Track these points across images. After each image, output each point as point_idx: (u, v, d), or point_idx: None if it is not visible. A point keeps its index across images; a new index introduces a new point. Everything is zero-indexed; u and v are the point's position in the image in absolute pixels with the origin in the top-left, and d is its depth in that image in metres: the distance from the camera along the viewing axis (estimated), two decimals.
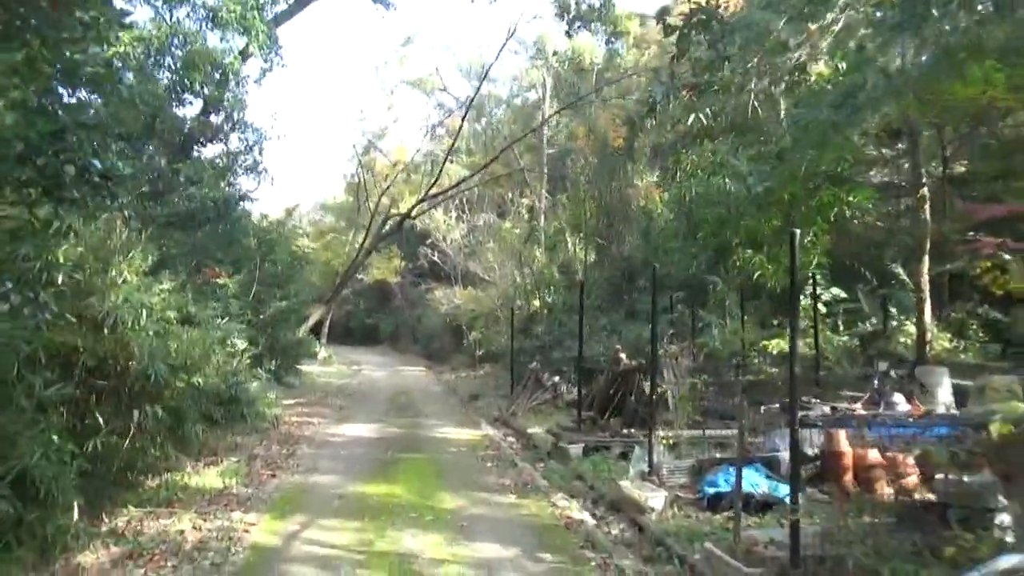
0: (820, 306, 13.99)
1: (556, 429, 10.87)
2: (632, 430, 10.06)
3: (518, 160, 28.60)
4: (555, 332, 18.94)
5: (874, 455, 7.47)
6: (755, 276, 12.62)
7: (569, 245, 23.22)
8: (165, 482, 8.14)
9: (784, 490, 6.91)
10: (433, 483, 8.69)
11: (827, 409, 9.15)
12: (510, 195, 29.17)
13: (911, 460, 7.75)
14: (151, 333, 6.58)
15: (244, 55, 15.51)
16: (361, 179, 28.63)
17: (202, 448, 10.35)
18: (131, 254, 7.38)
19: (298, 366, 18.65)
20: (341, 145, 71.50)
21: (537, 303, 23.86)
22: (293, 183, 77.67)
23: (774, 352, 13.79)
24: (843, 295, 14.25)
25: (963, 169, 14.97)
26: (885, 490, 7.61)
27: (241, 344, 14.25)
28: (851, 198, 9.24)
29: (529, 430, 12.49)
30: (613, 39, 22.46)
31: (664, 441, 8.35)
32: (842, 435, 7.52)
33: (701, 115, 7.54)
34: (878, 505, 6.37)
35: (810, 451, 7.98)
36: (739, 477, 5.63)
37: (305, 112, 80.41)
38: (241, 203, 16.32)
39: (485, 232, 29.29)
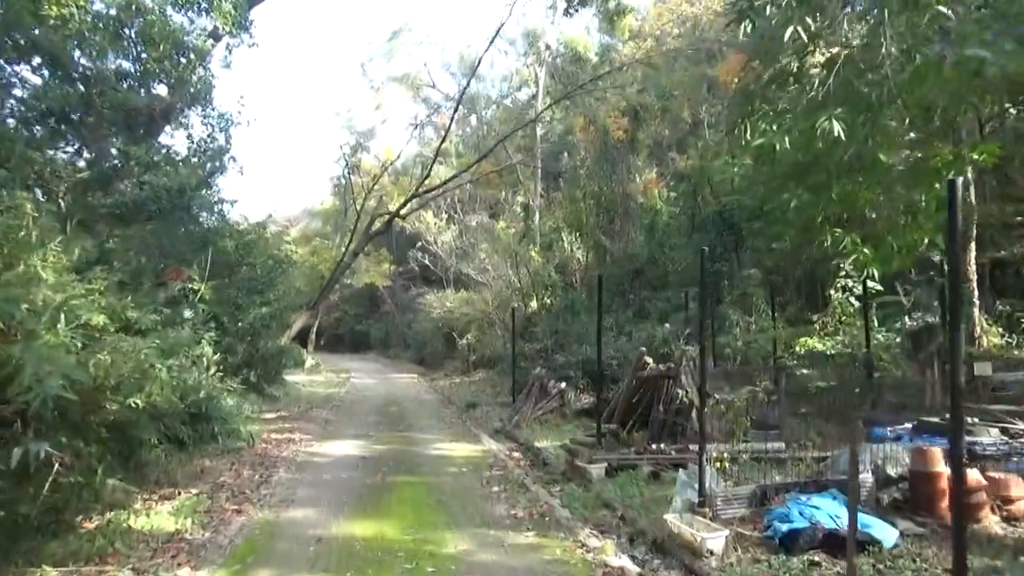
0: (853, 300, 12.53)
1: (572, 444, 9.33)
2: (661, 445, 8.54)
3: (510, 158, 27.11)
4: (556, 334, 17.40)
5: (974, 475, 5.98)
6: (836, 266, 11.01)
7: (565, 244, 21.72)
8: (104, 525, 6.52)
9: (873, 524, 5.41)
10: (431, 517, 7.13)
11: (993, 432, 7.31)
12: (504, 194, 27.69)
13: (1018, 482, 6.28)
14: (59, 342, 4.98)
15: (215, 36, 13.92)
16: (347, 181, 26.96)
17: (162, 476, 8.79)
18: (49, 247, 5.83)
19: (282, 376, 17.02)
20: (327, 147, 69.80)
21: (534, 304, 22.36)
22: (279, 191, 75.84)
23: (800, 351, 12.33)
24: (878, 287, 12.78)
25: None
26: (990, 519, 6.12)
27: (211, 354, 12.74)
28: (976, 155, 7.18)
29: (537, 444, 10.98)
30: (611, 26, 20.99)
31: (719, 463, 6.79)
32: (938, 452, 6.03)
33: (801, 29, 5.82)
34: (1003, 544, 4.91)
35: (893, 471, 6.49)
36: (852, 519, 4.11)
37: (289, 115, 78.75)
38: (203, 190, 14.51)
39: (478, 233, 27.74)
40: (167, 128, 13.76)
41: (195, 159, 13.70)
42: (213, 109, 13.57)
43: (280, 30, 71.97)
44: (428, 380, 27.16)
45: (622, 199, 19.29)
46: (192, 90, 12.75)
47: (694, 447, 8.53)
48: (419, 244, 32.51)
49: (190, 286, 14.80)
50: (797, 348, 11.98)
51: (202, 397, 10.61)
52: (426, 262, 32.55)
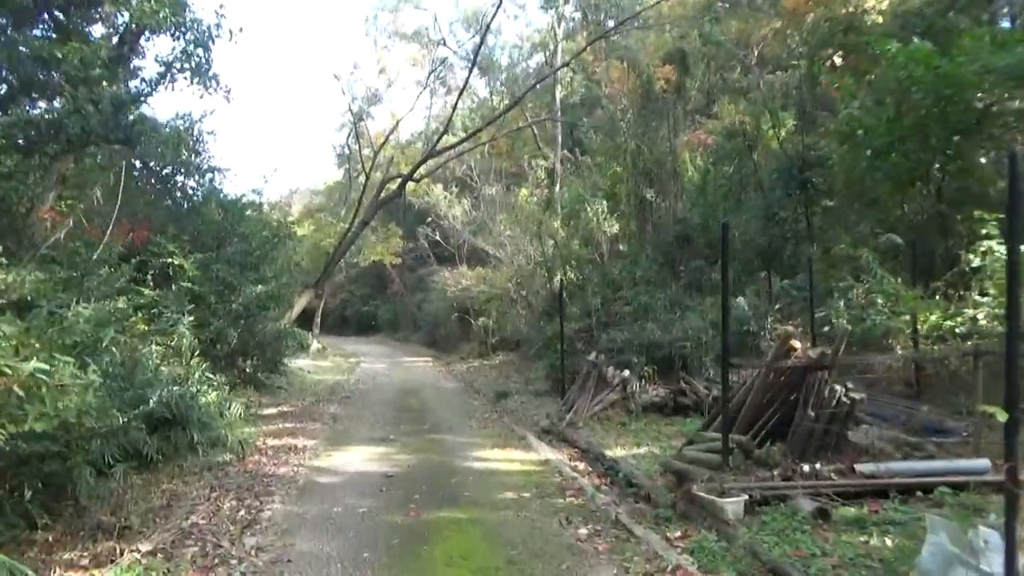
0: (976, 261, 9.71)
1: (679, 462, 6.56)
2: (817, 465, 5.79)
3: (527, 118, 24.18)
4: (599, 312, 14.64)
5: None
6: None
7: (590, 213, 18.86)
8: None
9: None
10: None
11: None
12: (526, 159, 24.82)
13: None
14: None
15: None
16: (352, 150, 23.95)
17: (107, 518, 6.10)
18: None
19: (282, 365, 14.28)
20: (329, 119, 66.56)
21: (562, 278, 19.58)
22: (279, 170, 72.83)
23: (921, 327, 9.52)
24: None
25: None
26: None
27: (189, 341, 10.03)
28: None
29: (609, 452, 8.26)
30: None
31: None
32: None
33: None
34: None
35: None
36: None
37: (287, 86, 75.44)
38: (144, 104, 11.57)
39: (495, 204, 24.93)
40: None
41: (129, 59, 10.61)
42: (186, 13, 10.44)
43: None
44: (443, 364, 24.47)
45: (667, 157, 16.43)
46: None
47: (865, 468, 5.82)
48: (429, 219, 29.70)
49: (170, 261, 12.13)
50: (927, 322, 9.22)
51: (173, 395, 7.98)
52: (437, 238, 29.73)
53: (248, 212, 14.31)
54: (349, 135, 25.82)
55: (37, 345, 3.91)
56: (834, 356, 6.22)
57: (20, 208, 6.68)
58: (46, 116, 7.69)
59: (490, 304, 24.58)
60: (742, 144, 16.18)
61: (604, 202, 19.13)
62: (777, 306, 11.69)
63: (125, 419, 6.12)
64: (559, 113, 24.30)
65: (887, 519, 5.31)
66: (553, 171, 21.19)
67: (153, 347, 9.69)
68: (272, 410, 13.35)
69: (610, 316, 14.85)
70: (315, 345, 26.83)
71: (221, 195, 13.96)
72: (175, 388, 8.49)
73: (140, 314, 10.59)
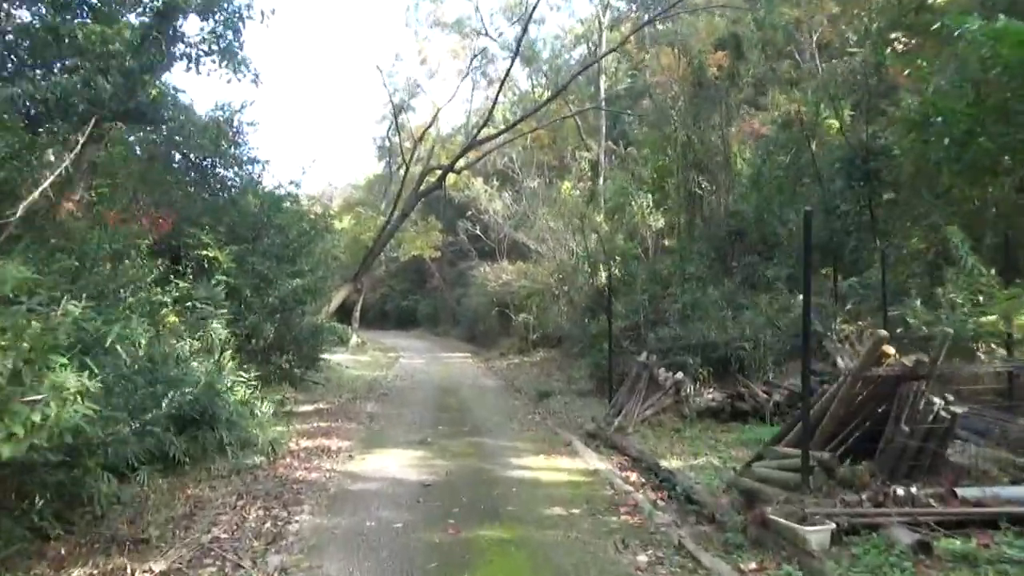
0: None
1: (747, 479, 5.83)
2: (912, 489, 5.02)
3: (570, 109, 23.42)
4: (647, 309, 13.88)
5: None
6: None
7: (635, 207, 18.10)
8: None
9: None
10: None
11: None
12: (569, 150, 24.08)
13: None
14: None
15: None
16: (392, 142, 23.39)
17: (124, 526, 5.64)
18: None
19: (319, 361, 13.80)
20: (370, 108, 66.40)
21: (609, 273, 18.84)
22: (319, 166, 73.16)
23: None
24: None
25: None
26: None
27: (223, 336, 9.60)
28: None
29: (663, 463, 7.57)
30: None
31: None
32: None
33: None
34: None
35: None
36: None
37: (331, 76, 75.65)
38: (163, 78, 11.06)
39: (537, 197, 24.23)
40: None
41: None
42: None
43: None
44: (483, 360, 23.92)
45: (719, 147, 15.57)
46: None
47: (968, 493, 5.04)
48: (469, 213, 29.15)
49: (205, 253, 11.74)
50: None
51: (202, 392, 7.51)
52: (477, 232, 29.16)
53: (286, 204, 13.86)
54: (390, 127, 25.39)
55: (26, 346, 3.36)
56: (932, 365, 5.42)
57: (26, 192, 6.18)
58: (53, 91, 7.19)
59: (531, 299, 23.94)
60: (799, 133, 15.23)
61: (650, 195, 18.38)
62: (848, 305, 10.78)
63: (138, 423, 5.59)
64: (603, 104, 23.49)
65: (1001, 555, 4.52)
66: (597, 163, 20.43)
67: (187, 342, 9.30)
68: (308, 407, 12.93)
69: (658, 314, 14.09)
70: (354, 339, 26.54)
71: (259, 187, 13.58)
72: (203, 386, 8.08)
73: (175, 307, 10.23)
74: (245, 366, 9.81)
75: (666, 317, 13.82)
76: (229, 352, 9.70)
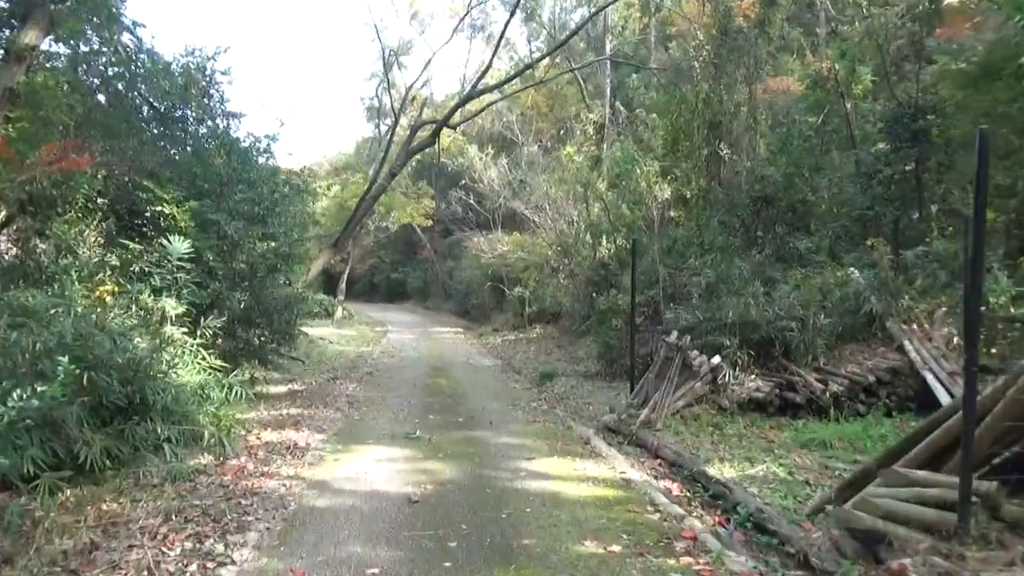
0: None
1: (868, 517, 4.10)
2: None
3: (574, 73, 21.46)
4: (664, 283, 12.19)
5: None
6: None
7: (640, 175, 16.32)
8: None
9: None
10: None
11: None
12: (572, 113, 22.20)
13: None
14: None
15: None
16: (382, 101, 21.10)
17: (13, 555, 3.92)
18: None
19: (294, 336, 11.92)
20: (359, 70, 63.68)
21: (611, 247, 17.13)
22: (312, 137, 70.62)
23: None
24: None
25: None
26: None
27: (172, 307, 7.83)
28: None
29: (711, 471, 5.92)
30: None
31: None
32: None
33: None
34: None
35: None
36: None
37: (319, 44, 72.89)
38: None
39: (534, 165, 22.36)
40: None
41: None
42: None
43: None
44: (476, 336, 22.21)
45: (744, 105, 13.78)
46: None
47: None
48: (463, 182, 27.20)
49: (160, 209, 9.92)
50: None
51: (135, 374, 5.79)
52: (471, 202, 27.27)
53: (260, 157, 11.97)
54: (379, 85, 23.17)
55: None
56: None
57: None
58: None
59: (527, 273, 22.19)
60: (834, 90, 13.47)
61: (656, 163, 16.63)
62: (917, 280, 9.10)
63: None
64: (608, 66, 21.56)
65: None
66: (602, 126, 18.62)
67: (132, 313, 7.54)
68: (281, 388, 11.22)
69: (676, 288, 12.39)
70: (339, 312, 24.76)
71: (230, 138, 11.72)
72: (130, 366, 6.34)
73: (117, 272, 8.44)
74: (203, 342, 8.04)
75: (686, 292, 12.14)
76: (175, 326, 7.92)
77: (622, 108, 18.49)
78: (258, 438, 7.53)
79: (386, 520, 5.01)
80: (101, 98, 11.27)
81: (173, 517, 5.02)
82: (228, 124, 12.50)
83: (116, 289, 7.34)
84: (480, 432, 8.00)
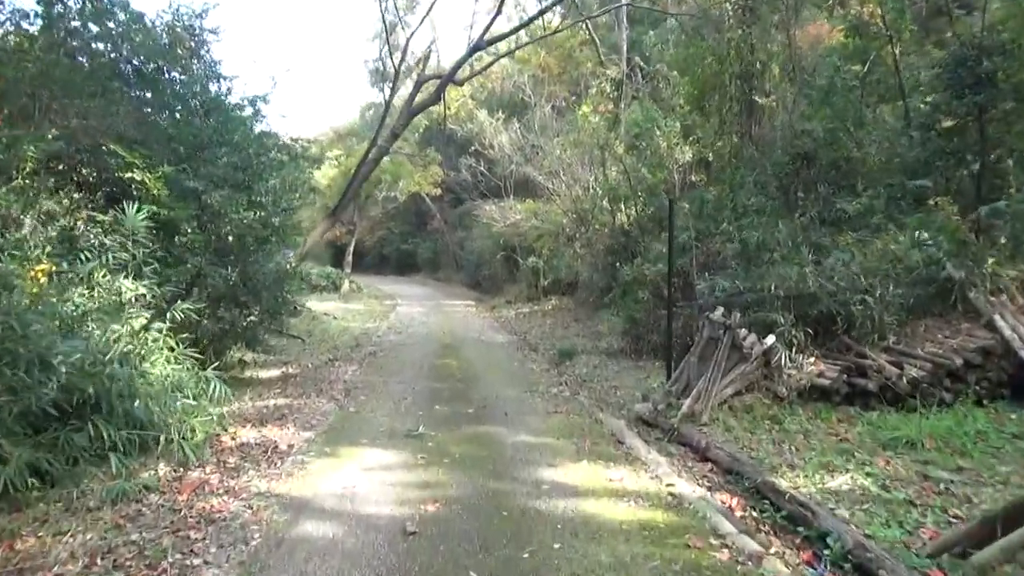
0: None
1: None
2: None
3: (587, 29, 19.83)
4: (695, 250, 10.86)
5: None
6: None
7: (660, 137, 14.94)
8: None
9: None
10: None
11: None
12: (583, 80, 20.65)
13: None
14: None
15: None
16: (385, 63, 19.38)
17: None
18: None
19: (285, 311, 10.64)
20: (363, 30, 61.70)
21: (632, 213, 15.78)
22: (320, 109, 68.94)
23: None
24: None
25: None
26: None
27: (131, 289, 6.60)
28: None
29: (781, 483, 4.66)
30: None
31: None
32: None
33: None
34: None
35: None
36: None
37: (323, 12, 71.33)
38: None
39: (547, 129, 20.87)
40: None
41: None
42: None
43: None
44: (488, 309, 20.96)
45: (782, 53, 12.27)
46: None
47: None
48: (472, 149, 25.72)
49: (131, 175, 8.66)
50: None
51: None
52: (481, 169, 25.83)
53: (247, 117, 10.63)
54: (382, 47, 21.51)
55: None
56: None
57: None
58: None
59: (541, 241, 20.83)
60: (883, 34, 11.94)
61: (677, 123, 15.24)
62: (1001, 240, 7.70)
63: None
64: (624, 22, 19.91)
65: None
66: (620, 82, 17.11)
67: (87, 296, 6.37)
68: (274, 372, 10.05)
69: (708, 256, 11.06)
70: (345, 286, 23.59)
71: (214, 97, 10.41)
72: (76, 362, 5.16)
73: (65, 247, 7.23)
74: (173, 326, 6.83)
75: (721, 260, 10.81)
76: (143, 309, 6.70)
77: (641, 63, 16.93)
78: (233, 438, 6.35)
79: (374, 562, 3.80)
80: (76, 57, 9.98)
81: (100, 558, 3.84)
82: (221, 88, 11.13)
83: (53, 268, 6.10)
84: (493, 427, 6.77)
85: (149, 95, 10.59)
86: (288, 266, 10.93)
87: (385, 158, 25.40)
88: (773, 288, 7.85)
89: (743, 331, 6.85)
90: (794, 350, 6.94)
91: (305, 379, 9.50)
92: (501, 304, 21.60)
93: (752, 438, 5.93)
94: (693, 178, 15.87)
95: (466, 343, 13.33)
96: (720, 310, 7.07)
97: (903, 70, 12.36)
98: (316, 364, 10.72)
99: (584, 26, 19.88)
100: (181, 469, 5.38)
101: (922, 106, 11.36)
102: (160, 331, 6.62)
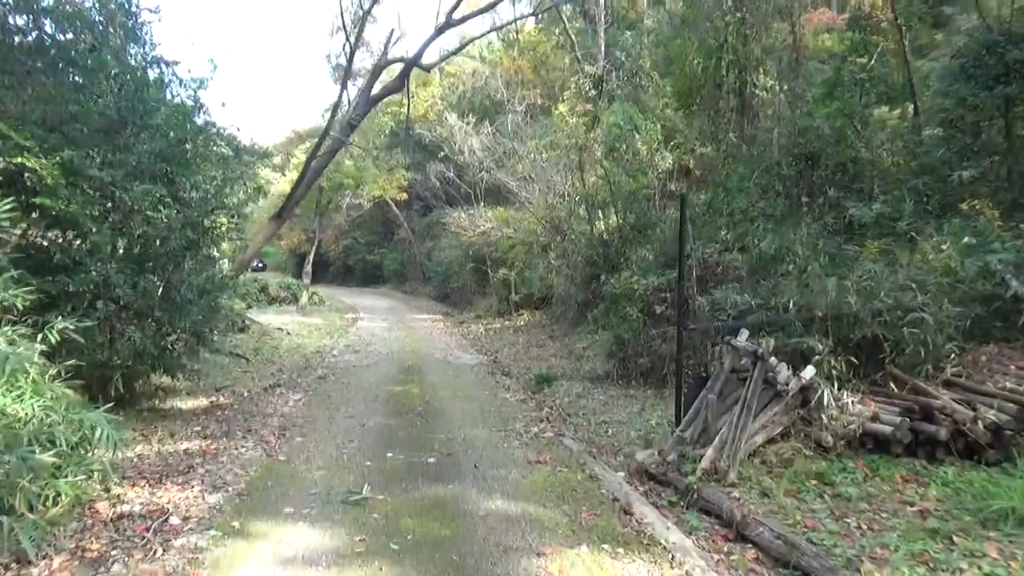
0: None
1: None
2: None
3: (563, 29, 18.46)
4: (703, 261, 9.45)
5: None
6: None
7: (640, 140, 13.63)
8: None
9: None
10: None
11: None
12: (568, 63, 19.28)
13: None
14: None
15: None
16: (346, 53, 17.49)
17: None
18: None
19: (213, 335, 8.86)
20: (325, 24, 59.75)
21: (601, 224, 14.46)
22: (284, 114, 66.77)
23: None
24: None
25: None
26: None
27: None
28: None
29: None
30: None
31: None
32: None
33: None
34: None
35: None
36: None
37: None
38: None
39: (520, 133, 19.44)
40: None
41: None
42: None
43: None
44: (456, 324, 19.34)
45: (786, 38, 11.00)
46: None
47: None
48: (442, 154, 24.15)
49: (21, 161, 6.95)
50: None
51: None
52: (451, 174, 24.29)
53: (179, 105, 8.89)
54: (344, 43, 19.61)
55: None
56: None
57: None
58: None
59: (513, 252, 19.32)
60: (891, 22, 10.75)
61: (659, 127, 13.96)
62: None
63: None
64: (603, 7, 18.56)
65: None
66: (601, 80, 15.75)
67: None
68: (201, 401, 8.37)
69: (707, 268, 9.67)
70: (303, 298, 21.80)
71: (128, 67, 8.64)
72: None
73: None
74: (46, 348, 5.17)
75: (720, 273, 9.43)
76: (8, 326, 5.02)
77: (622, 59, 15.61)
78: (114, 504, 4.69)
79: None
80: None
81: None
82: (163, 73, 9.33)
83: None
84: (459, 487, 5.19)
85: (80, 79, 8.80)
86: (222, 276, 9.22)
87: (348, 162, 23.78)
88: (791, 304, 6.43)
89: (773, 360, 5.39)
90: (835, 385, 5.49)
91: (235, 412, 7.84)
92: (470, 319, 20.02)
93: (801, 507, 4.46)
94: (672, 187, 14.57)
95: (430, 365, 11.72)
96: (745, 334, 5.60)
97: (912, 62, 11.19)
98: (254, 391, 9.04)
99: (559, 23, 18.53)
100: (15, 566, 3.73)
101: (940, 100, 10.13)
102: (28, 358, 4.93)
